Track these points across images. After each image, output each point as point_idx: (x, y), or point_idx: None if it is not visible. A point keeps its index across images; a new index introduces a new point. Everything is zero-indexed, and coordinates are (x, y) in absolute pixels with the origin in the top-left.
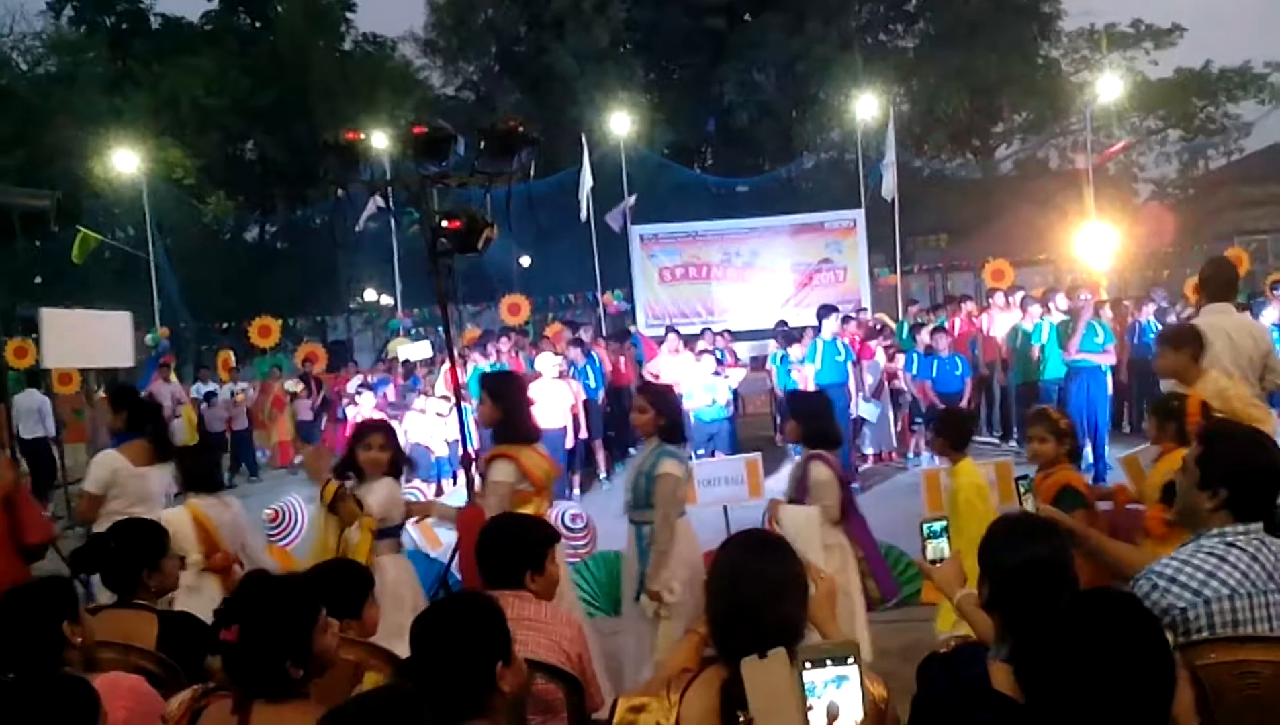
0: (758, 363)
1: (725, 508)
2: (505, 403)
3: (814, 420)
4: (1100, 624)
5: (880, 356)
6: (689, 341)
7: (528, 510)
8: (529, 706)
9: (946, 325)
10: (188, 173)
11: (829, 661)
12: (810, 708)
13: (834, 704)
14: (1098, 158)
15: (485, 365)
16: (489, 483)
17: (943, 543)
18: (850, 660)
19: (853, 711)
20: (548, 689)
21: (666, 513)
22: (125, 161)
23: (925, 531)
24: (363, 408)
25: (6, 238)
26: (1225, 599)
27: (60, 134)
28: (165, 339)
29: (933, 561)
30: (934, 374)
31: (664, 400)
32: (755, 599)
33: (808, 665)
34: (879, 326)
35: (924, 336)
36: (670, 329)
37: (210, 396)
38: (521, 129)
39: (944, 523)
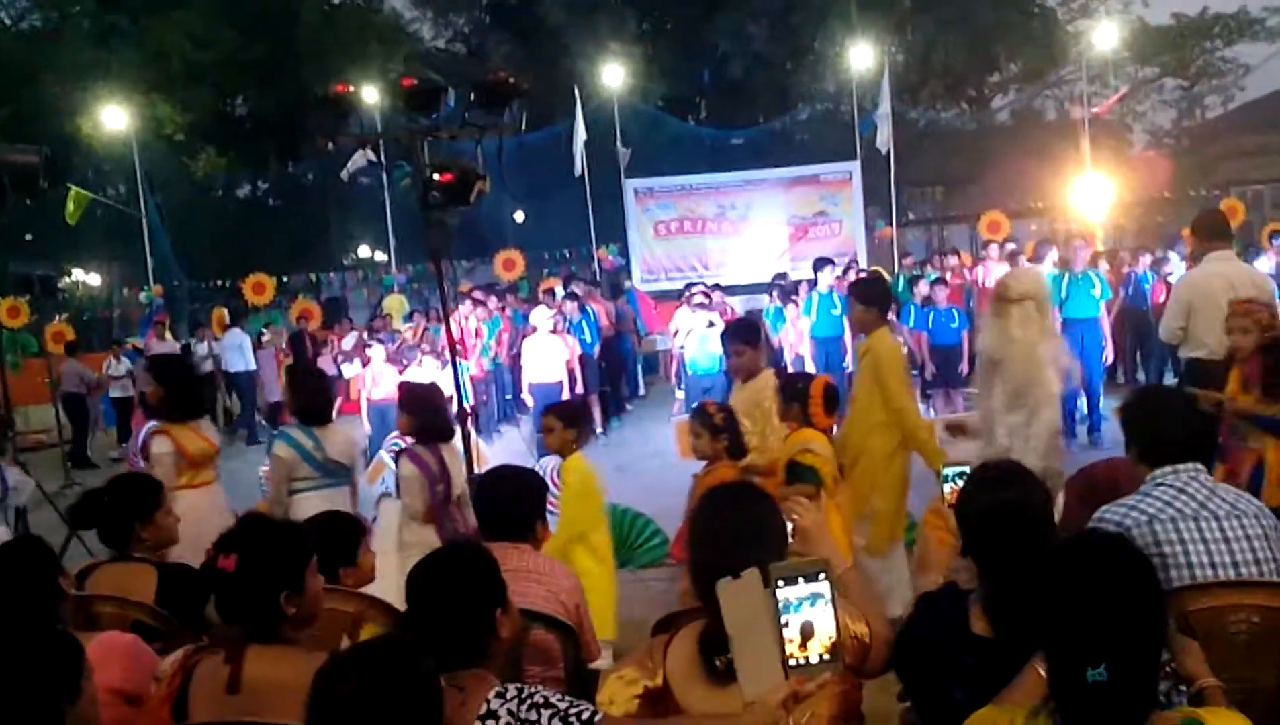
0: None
1: None
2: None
3: (423, 413)
4: (1088, 565)
5: None
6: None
7: (182, 481)
8: (527, 656)
9: (944, 277)
10: (178, 129)
11: (801, 579)
12: (785, 624)
13: (808, 621)
14: (1098, 109)
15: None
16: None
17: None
18: (822, 576)
19: (826, 628)
20: (545, 639)
21: (270, 492)
22: (114, 118)
23: (942, 476)
24: (374, 359)
25: None
26: (1145, 523)
27: (47, 90)
28: (159, 297)
29: (950, 506)
30: (930, 326)
31: (297, 381)
32: (736, 550)
33: (780, 583)
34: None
35: (921, 288)
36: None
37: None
38: (513, 80)
39: (962, 469)
